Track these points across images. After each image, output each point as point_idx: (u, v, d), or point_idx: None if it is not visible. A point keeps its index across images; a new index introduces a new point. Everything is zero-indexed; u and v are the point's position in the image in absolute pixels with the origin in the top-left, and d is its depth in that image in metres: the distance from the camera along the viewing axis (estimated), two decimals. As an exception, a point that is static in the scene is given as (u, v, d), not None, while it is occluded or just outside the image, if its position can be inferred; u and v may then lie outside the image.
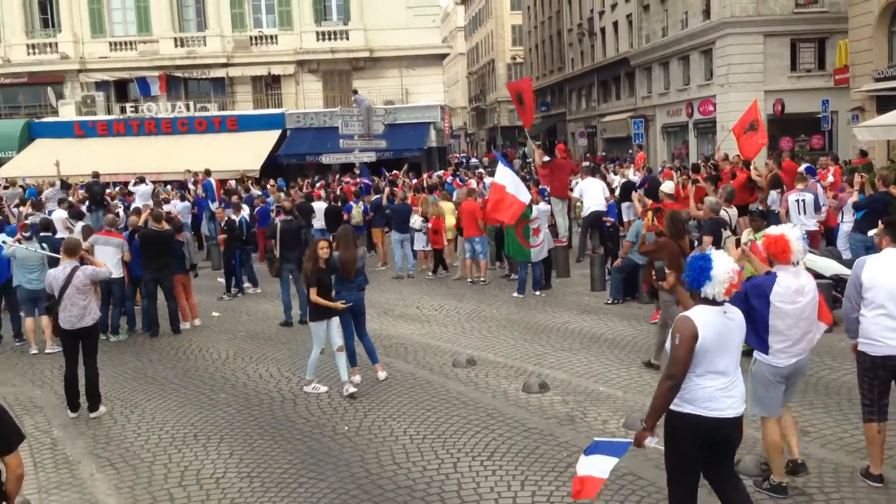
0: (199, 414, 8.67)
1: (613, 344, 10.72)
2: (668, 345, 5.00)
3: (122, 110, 36.28)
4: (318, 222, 19.52)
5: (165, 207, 17.43)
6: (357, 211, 18.55)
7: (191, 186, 23.42)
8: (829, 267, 11.33)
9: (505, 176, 13.81)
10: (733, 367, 4.92)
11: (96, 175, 22.95)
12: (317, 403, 8.86)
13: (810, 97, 31.67)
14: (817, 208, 13.70)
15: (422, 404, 8.67)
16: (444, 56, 41.47)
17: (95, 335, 9.13)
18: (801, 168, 16.18)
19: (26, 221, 13.40)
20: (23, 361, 11.30)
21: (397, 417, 8.29)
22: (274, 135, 34.73)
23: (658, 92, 40.93)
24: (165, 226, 12.77)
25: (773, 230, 6.05)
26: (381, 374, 9.62)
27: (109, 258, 11.87)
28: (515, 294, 14.25)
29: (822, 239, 14.25)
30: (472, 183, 21.74)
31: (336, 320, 9.31)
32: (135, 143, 34.39)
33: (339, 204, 19.23)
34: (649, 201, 12.92)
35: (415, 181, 24.60)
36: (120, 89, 37.85)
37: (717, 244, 10.56)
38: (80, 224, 13.84)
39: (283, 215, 13.67)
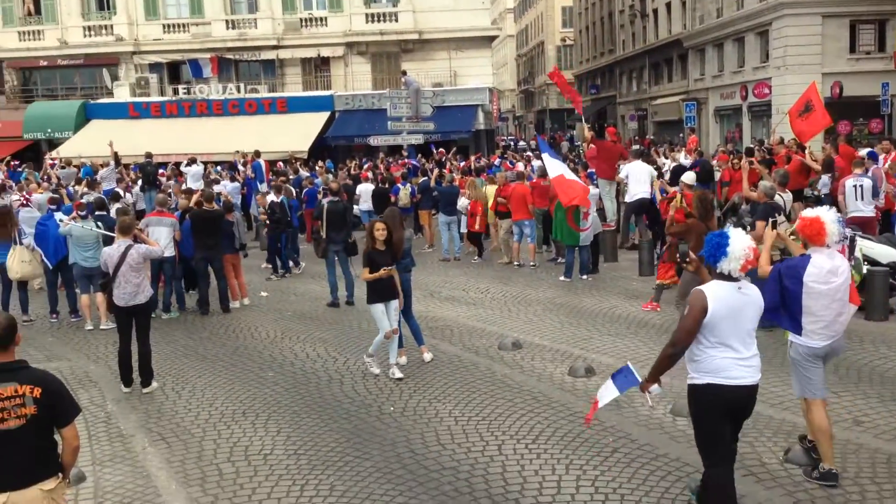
0: (247, 391, 8.80)
1: (661, 329, 10.59)
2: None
3: (175, 92, 36.81)
4: (366, 204, 19.64)
5: (216, 188, 17.65)
6: (404, 193, 18.58)
7: (240, 167, 23.70)
8: (886, 254, 11.03)
9: (557, 165, 13.91)
10: (748, 339, 5.16)
11: (149, 156, 23.36)
12: (363, 384, 8.93)
13: (870, 80, 30.80)
14: (875, 194, 13.32)
15: (467, 386, 8.68)
16: (493, 38, 41.24)
17: (148, 312, 9.32)
18: (863, 152, 15.75)
19: (82, 200, 13.72)
20: (78, 337, 11.58)
21: (442, 399, 8.32)
22: (322, 116, 34.95)
23: (711, 74, 40.18)
24: (215, 206, 12.96)
25: (808, 213, 6.07)
26: (427, 356, 9.65)
27: (163, 238, 12.11)
28: (562, 278, 14.16)
29: (879, 225, 13.87)
30: (520, 166, 21.62)
31: (395, 303, 9.18)
32: (186, 124, 34.89)
33: (387, 186, 19.28)
34: (671, 189, 12.67)
35: (462, 164, 24.57)
36: (173, 71, 38.42)
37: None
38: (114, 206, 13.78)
39: (330, 196, 13.73)
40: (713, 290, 5.10)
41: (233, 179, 22.04)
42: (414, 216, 19.40)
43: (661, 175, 18.88)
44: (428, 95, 28.81)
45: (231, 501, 6.21)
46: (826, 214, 5.91)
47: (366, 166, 25.61)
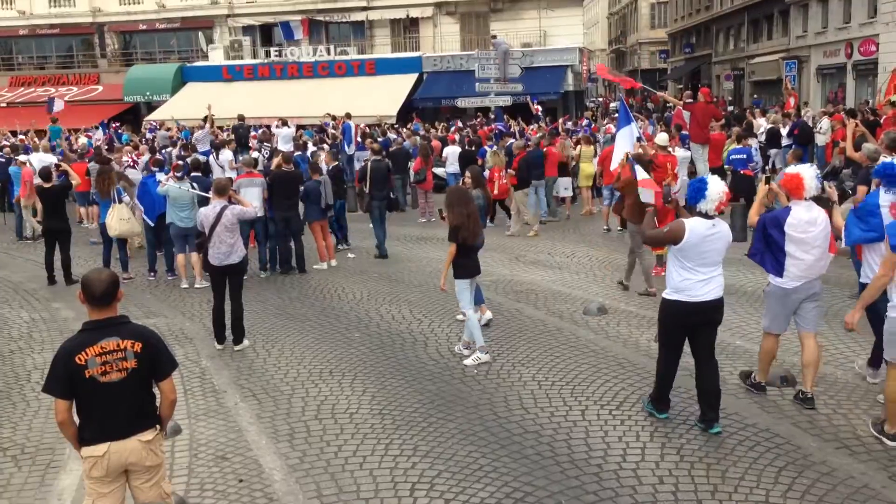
0: (334, 351, 8.99)
1: (752, 297, 10.29)
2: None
3: (267, 54, 37.41)
4: (452, 167, 19.60)
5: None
6: (491, 155, 18.44)
7: (330, 130, 23.96)
8: None
9: (623, 139, 12.80)
10: (714, 264, 6.33)
11: (241, 118, 23.87)
12: (447, 346, 8.99)
13: None
14: None
15: (551, 351, 8.64)
16: (584, -4, 40.32)
17: (241, 272, 9.58)
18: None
19: (179, 162, 14.13)
20: (174, 295, 12.02)
21: (526, 363, 8.31)
22: (411, 78, 34.98)
23: (814, 31, 38.31)
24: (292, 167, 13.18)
25: (790, 169, 6.84)
26: (486, 316, 9.55)
27: (255, 198, 12.39)
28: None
29: None
30: (612, 128, 21.18)
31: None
32: (278, 86, 35.47)
33: (473, 148, 19.18)
34: (651, 151, 12.13)
35: (550, 126, 24.25)
36: (265, 34, 39.04)
37: (873, 195, 9.87)
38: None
39: (374, 156, 15.19)
40: (692, 224, 6.28)
41: (322, 142, 22.32)
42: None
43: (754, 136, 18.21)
44: (516, 56, 28.42)
45: (318, 458, 6.37)
46: (805, 171, 6.60)
47: (452, 129, 25.56)
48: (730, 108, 30.31)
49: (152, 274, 12.99)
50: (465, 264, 8.50)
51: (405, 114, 32.18)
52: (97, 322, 4.45)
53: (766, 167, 17.47)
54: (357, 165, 19.63)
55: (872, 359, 7.35)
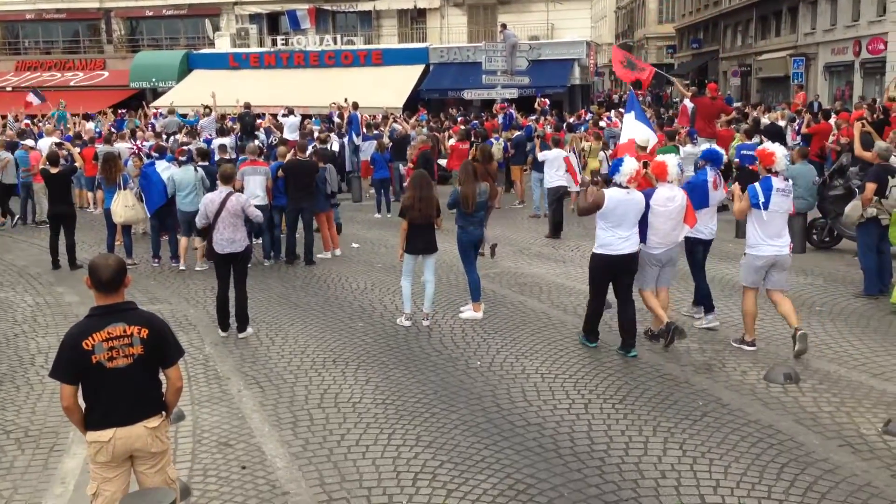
0: (338, 340, 8.99)
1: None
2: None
3: (273, 43, 37.36)
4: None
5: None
6: (497, 148, 18.43)
7: (336, 119, 23.92)
8: None
9: (634, 129, 12.70)
10: (630, 226, 8.01)
11: (248, 106, 23.83)
12: (451, 337, 9.00)
13: None
14: None
15: (554, 344, 8.65)
16: (592, -11, 40.17)
17: (245, 260, 9.57)
18: None
19: (183, 147, 14.17)
20: (178, 281, 12.02)
21: (529, 356, 8.31)
22: (417, 69, 34.92)
23: (823, 28, 38.17)
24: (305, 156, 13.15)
25: (658, 158, 8.63)
26: (478, 315, 9.67)
27: (259, 187, 12.40)
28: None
29: None
30: (619, 123, 21.12)
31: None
32: (284, 75, 35.42)
33: (480, 140, 19.15)
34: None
35: (558, 120, 24.19)
36: (272, 22, 38.97)
37: (881, 192, 9.87)
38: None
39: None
40: (610, 193, 8.00)
41: (329, 131, 22.26)
42: (506, 171, 19.27)
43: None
44: (524, 49, 28.34)
45: (321, 446, 6.38)
46: (670, 160, 8.36)
47: (459, 120, 25.52)
48: (736, 105, 30.21)
49: (156, 260, 13.00)
50: (412, 241, 9.40)
51: (412, 105, 32.12)
52: (104, 307, 4.44)
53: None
54: (363, 156, 19.61)
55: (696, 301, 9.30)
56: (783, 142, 19.28)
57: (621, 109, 28.73)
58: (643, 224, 8.18)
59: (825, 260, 12.35)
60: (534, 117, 24.19)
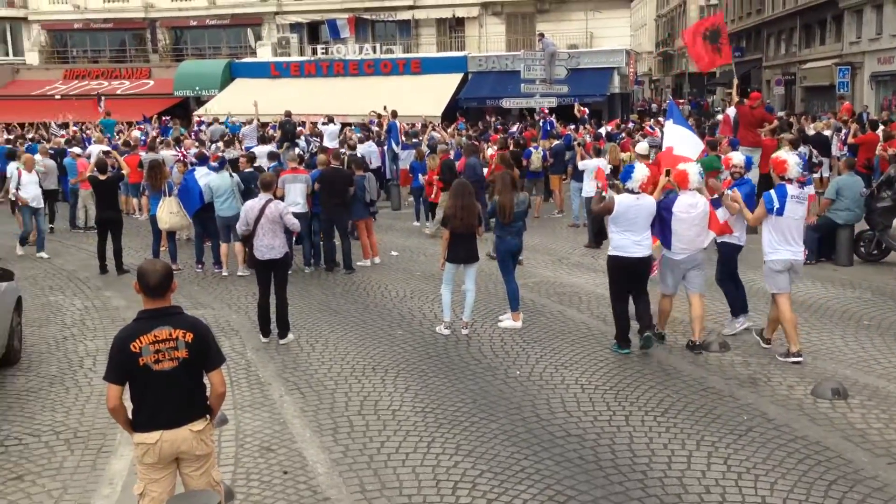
0: (377, 348, 9.03)
1: (804, 306, 10.11)
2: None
3: (314, 52, 37.70)
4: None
5: (360, 149, 18.00)
6: (536, 157, 18.38)
7: (374, 128, 24.04)
8: None
9: (674, 137, 12.43)
10: (642, 229, 8.32)
11: (288, 114, 24.08)
12: (490, 346, 8.99)
13: None
14: None
15: (594, 355, 8.59)
16: (632, -2, 39.96)
17: (285, 267, 9.65)
18: None
19: (218, 154, 14.42)
20: (221, 287, 12.17)
21: (569, 366, 8.27)
22: (456, 78, 34.98)
23: (868, 37, 37.51)
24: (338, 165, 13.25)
25: (680, 166, 8.62)
26: (517, 324, 9.64)
27: (299, 195, 12.51)
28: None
29: None
30: (658, 132, 20.98)
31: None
32: (324, 83, 35.71)
33: (519, 149, 19.12)
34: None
35: (597, 129, 24.09)
36: (312, 31, 39.35)
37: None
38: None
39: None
40: (620, 198, 8.33)
41: (367, 139, 22.38)
42: (545, 180, 19.21)
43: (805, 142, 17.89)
44: (563, 58, 28.28)
45: (361, 453, 6.40)
46: (691, 168, 8.51)
47: (498, 128, 25.52)
48: (779, 114, 29.77)
49: (199, 266, 13.17)
50: (453, 250, 9.40)
51: (450, 113, 32.20)
52: (151, 311, 4.53)
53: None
54: (401, 164, 19.70)
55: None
56: (829, 152, 18.99)
57: (660, 118, 28.55)
58: (667, 228, 8.42)
59: (873, 273, 12.11)
60: (573, 126, 24.13)
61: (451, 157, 18.62)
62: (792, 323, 8.16)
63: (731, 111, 17.48)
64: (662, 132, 14.97)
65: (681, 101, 40.69)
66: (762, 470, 5.90)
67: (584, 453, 6.27)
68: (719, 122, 23.08)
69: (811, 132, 20.58)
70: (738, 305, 9.22)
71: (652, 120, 29.40)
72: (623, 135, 22.48)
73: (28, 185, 14.42)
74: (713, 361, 8.26)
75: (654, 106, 50.36)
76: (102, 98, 30.29)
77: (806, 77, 44.93)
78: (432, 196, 16.11)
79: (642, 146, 13.44)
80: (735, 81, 18.97)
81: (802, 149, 16.65)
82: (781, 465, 5.96)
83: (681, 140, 11.67)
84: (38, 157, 16.44)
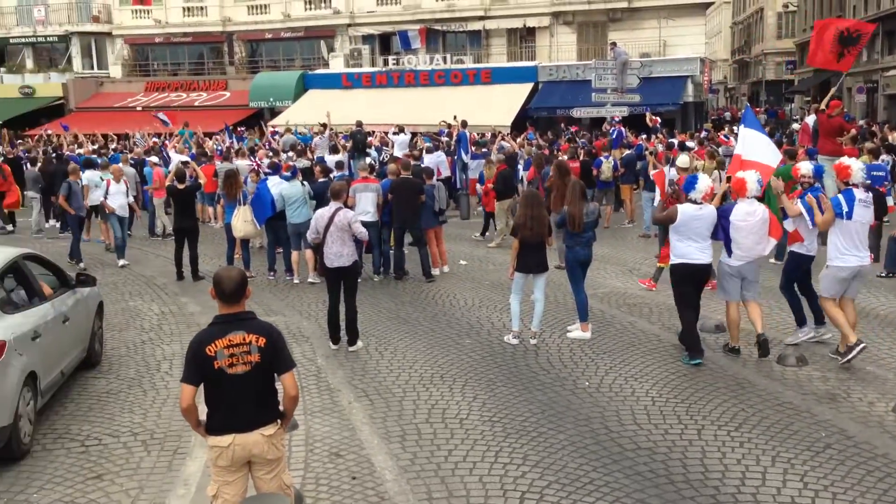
0: (445, 356, 9.05)
1: (886, 321, 9.76)
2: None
3: (385, 63, 38.11)
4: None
5: (426, 158, 18.13)
6: (607, 166, 18.20)
7: (444, 138, 24.15)
8: None
9: (749, 143, 11.79)
10: (703, 238, 8.51)
11: (359, 124, 24.38)
12: (558, 356, 8.92)
13: None
14: None
15: (666, 367, 8.45)
16: (707, 5, 39.26)
17: (354, 275, 9.74)
18: None
19: (290, 163, 14.71)
20: (292, 294, 12.38)
21: (640, 378, 8.15)
22: (526, 88, 34.90)
23: (956, 42, 36.07)
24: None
25: (739, 174, 8.72)
26: (586, 334, 9.55)
27: (370, 204, 12.66)
28: (772, 261, 13.34)
29: None
30: (733, 141, 20.54)
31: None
32: (394, 94, 36.04)
33: (589, 159, 18.97)
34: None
35: (670, 139, 23.72)
36: (384, 42, 39.79)
37: None
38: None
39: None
40: (683, 208, 8.50)
41: (436, 149, 22.49)
42: (615, 190, 19.01)
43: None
44: (635, 66, 27.93)
45: (429, 461, 6.43)
46: (749, 176, 8.53)
47: (567, 138, 25.36)
48: (860, 123, 28.81)
49: (272, 273, 13.43)
50: (523, 260, 9.40)
51: (520, 123, 32.14)
52: (226, 316, 4.65)
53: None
54: (471, 174, 19.74)
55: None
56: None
57: (734, 127, 27.92)
58: (726, 235, 8.53)
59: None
60: (645, 135, 23.81)
61: (522, 166, 18.64)
62: (843, 318, 8.29)
63: (811, 120, 17.05)
64: (736, 140, 14.67)
65: (757, 108, 39.72)
66: (840, 488, 5.71)
67: (655, 467, 6.17)
68: (795, 131, 22.50)
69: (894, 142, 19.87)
70: (799, 317, 9.18)
71: (727, 128, 28.81)
72: (696, 144, 22.08)
73: (116, 195, 14.98)
74: (790, 376, 8.04)
75: (727, 114, 49.33)
76: (161, 112, 31.14)
77: (889, 85, 43.43)
78: (488, 206, 16.30)
79: (682, 159, 13.50)
80: (832, 91, 18.33)
81: (885, 157, 16.11)
82: (860, 484, 5.76)
83: (753, 146, 11.29)
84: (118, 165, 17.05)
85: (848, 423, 6.87)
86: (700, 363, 8.42)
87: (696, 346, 8.55)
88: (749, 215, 8.43)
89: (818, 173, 9.37)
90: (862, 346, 8.06)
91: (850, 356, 8.09)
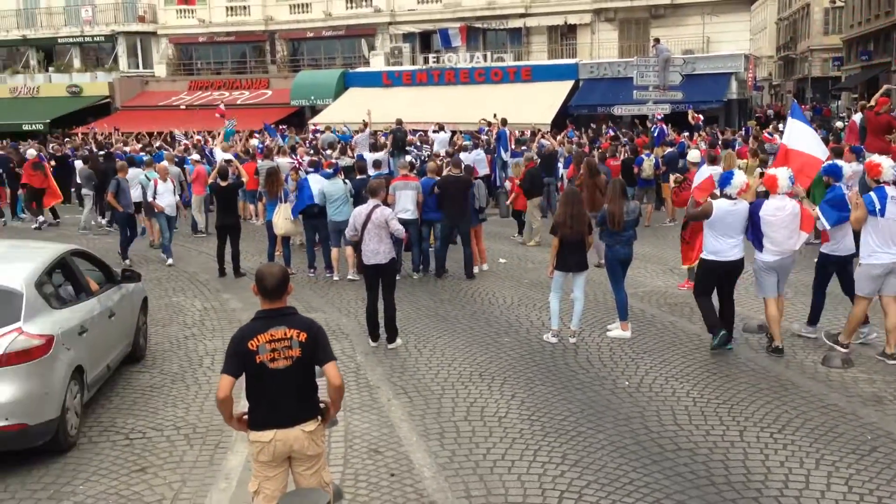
0: (484, 354, 9.05)
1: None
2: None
3: (425, 61, 38.17)
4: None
5: (462, 155, 18.12)
6: (648, 164, 18.06)
7: (483, 137, 24.10)
8: None
9: (796, 135, 11.42)
10: (737, 234, 8.57)
11: (399, 122, 24.45)
12: (598, 356, 8.87)
13: None
14: None
15: (707, 367, 8.36)
16: (752, 1, 38.64)
17: (392, 272, 9.79)
18: None
19: (332, 160, 14.83)
20: (332, 291, 12.47)
21: (680, 378, 8.07)
22: (566, 85, 34.70)
23: None
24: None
25: (770, 171, 8.86)
26: (626, 334, 9.49)
27: (409, 201, 12.70)
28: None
29: None
30: (778, 138, 20.21)
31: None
32: (435, 92, 36.07)
33: (631, 156, 18.82)
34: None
35: (712, 136, 23.44)
36: (424, 41, 39.85)
37: None
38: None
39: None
40: (718, 203, 8.52)
41: (476, 147, 22.47)
42: (656, 188, 18.82)
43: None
44: (678, 63, 27.61)
45: (467, 459, 6.43)
46: (780, 172, 8.53)
47: (608, 135, 25.18)
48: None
49: (312, 270, 13.55)
50: (562, 258, 9.41)
51: (560, 121, 31.97)
52: (268, 311, 4.71)
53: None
54: (510, 172, 19.67)
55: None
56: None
57: (779, 125, 27.44)
58: (757, 231, 8.56)
59: None
60: (687, 133, 23.55)
61: (562, 164, 18.54)
62: (858, 322, 8.51)
63: (858, 117, 16.71)
64: (780, 137, 14.45)
65: (804, 105, 39.00)
66: (886, 492, 5.60)
67: (696, 468, 6.11)
68: (839, 129, 22.07)
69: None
70: (814, 316, 9.26)
71: (771, 126, 28.34)
72: (740, 141, 21.80)
73: (164, 194, 15.23)
74: (835, 377, 7.90)
75: (770, 112, 48.51)
76: (222, 104, 31.45)
77: (940, 80, 42.35)
78: (517, 204, 16.36)
79: (694, 154, 13.88)
80: (884, 88, 18.03)
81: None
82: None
83: (799, 137, 10.94)
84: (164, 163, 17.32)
85: (894, 425, 6.73)
86: (723, 333, 8.61)
87: (715, 322, 8.72)
88: (779, 210, 8.46)
89: (831, 173, 9.24)
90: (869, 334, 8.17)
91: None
